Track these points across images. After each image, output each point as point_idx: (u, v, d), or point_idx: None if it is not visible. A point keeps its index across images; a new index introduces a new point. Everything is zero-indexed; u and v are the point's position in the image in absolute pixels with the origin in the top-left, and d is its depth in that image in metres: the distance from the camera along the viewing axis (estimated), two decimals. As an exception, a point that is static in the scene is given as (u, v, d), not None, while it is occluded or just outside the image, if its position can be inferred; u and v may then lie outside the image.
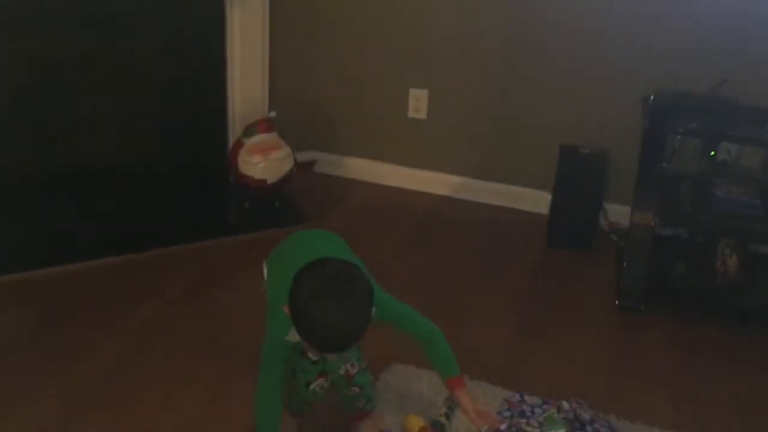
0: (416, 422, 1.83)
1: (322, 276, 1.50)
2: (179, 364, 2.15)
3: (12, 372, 2.08)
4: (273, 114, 3.03)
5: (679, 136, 2.49)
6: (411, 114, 3.27)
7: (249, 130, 2.98)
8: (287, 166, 3.01)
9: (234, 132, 3.14)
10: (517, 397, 1.99)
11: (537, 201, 3.12)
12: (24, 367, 2.11)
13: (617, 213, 2.98)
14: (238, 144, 3.00)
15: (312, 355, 1.68)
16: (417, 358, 2.13)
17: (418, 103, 3.25)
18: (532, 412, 1.93)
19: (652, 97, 2.48)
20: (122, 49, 2.87)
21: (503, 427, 1.86)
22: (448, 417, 1.88)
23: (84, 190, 2.90)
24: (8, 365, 2.11)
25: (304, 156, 3.29)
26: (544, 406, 1.94)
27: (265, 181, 2.96)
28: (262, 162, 2.94)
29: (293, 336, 1.55)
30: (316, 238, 1.87)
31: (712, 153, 2.49)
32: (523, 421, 1.88)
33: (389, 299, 1.68)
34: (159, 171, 3.05)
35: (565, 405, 1.89)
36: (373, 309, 1.52)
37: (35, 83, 2.75)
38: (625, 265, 2.56)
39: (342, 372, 1.75)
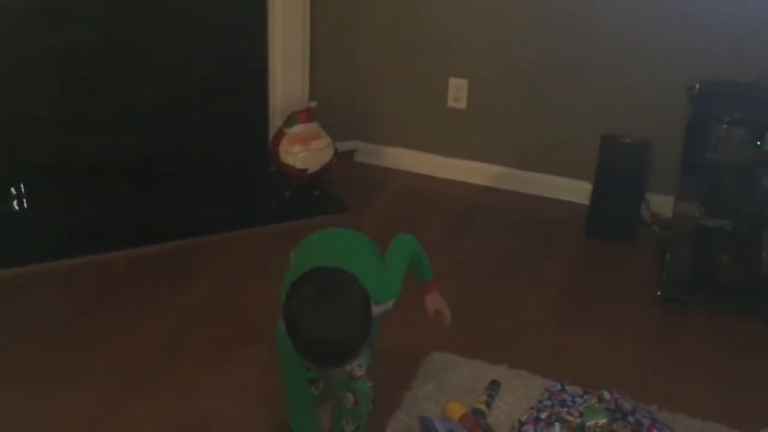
0: (457, 409, 1.85)
1: (314, 287, 1.46)
2: (217, 352, 2.18)
3: (57, 354, 2.14)
4: (314, 104, 3.06)
5: (724, 126, 2.45)
6: (451, 103, 3.27)
7: (290, 120, 3.01)
8: (327, 155, 3.04)
9: (275, 122, 3.18)
10: (558, 386, 1.99)
11: (578, 191, 3.09)
12: (67, 351, 2.16)
13: (659, 204, 2.95)
14: (280, 133, 3.04)
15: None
16: (457, 346, 2.17)
17: (457, 92, 3.25)
18: (573, 402, 1.92)
19: (697, 86, 2.45)
20: (166, 40, 2.91)
21: (543, 415, 1.87)
22: (488, 405, 1.90)
23: (127, 180, 2.96)
24: (54, 347, 2.17)
25: (344, 145, 3.31)
26: (584, 396, 1.94)
27: (305, 170, 3.00)
28: (303, 151, 2.98)
29: None
30: (337, 239, 1.83)
31: (758, 143, 2.45)
32: (564, 410, 1.88)
33: (388, 276, 1.68)
34: (201, 160, 3.10)
35: (606, 395, 1.88)
36: (372, 321, 1.49)
37: (81, 76, 2.81)
38: (667, 256, 2.53)
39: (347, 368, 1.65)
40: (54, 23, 2.71)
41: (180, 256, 2.67)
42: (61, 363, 2.11)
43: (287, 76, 3.16)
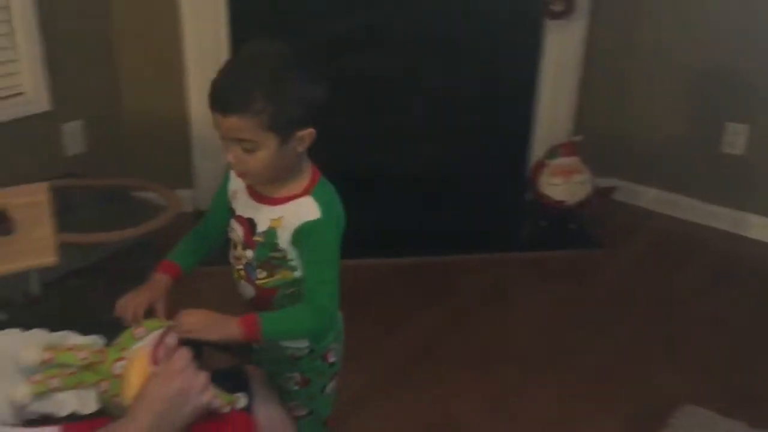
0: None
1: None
2: (466, 366, 2.30)
3: None
4: (579, 138, 3.07)
5: None
6: (725, 149, 3.10)
7: (553, 152, 3.06)
8: (586, 190, 3.04)
9: (536, 151, 3.25)
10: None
11: None
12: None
13: None
14: (541, 164, 3.09)
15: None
16: (715, 399, 2.05)
17: (734, 137, 3.07)
18: None
19: None
20: (445, 66, 3.10)
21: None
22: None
23: (393, 193, 3.18)
24: None
25: (604, 182, 3.28)
26: None
27: (563, 202, 3.02)
28: (563, 184, 3.01)
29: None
30: None
31: None
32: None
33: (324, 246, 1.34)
34: (462, 181, 3.24)
35: None
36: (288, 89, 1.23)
37: (369, 95, 3.09)
38: None
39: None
40: (353, 50, 3.01)
41: (434, 270, 2.82)
42: None
43: (554, 108, 3.20)
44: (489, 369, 2.28)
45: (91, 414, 1.19)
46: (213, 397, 1.16)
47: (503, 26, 3.05)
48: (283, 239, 1.32)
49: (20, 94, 2.65)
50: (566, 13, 2.93)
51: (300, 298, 1.36)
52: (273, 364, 1.47)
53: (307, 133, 1.29)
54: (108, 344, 1.23)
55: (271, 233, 1.33)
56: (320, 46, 2.96)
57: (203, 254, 1.47)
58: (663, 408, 2.06)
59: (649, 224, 3.23)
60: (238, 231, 1.38)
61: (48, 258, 1.52)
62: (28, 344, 1.18)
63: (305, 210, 1.31)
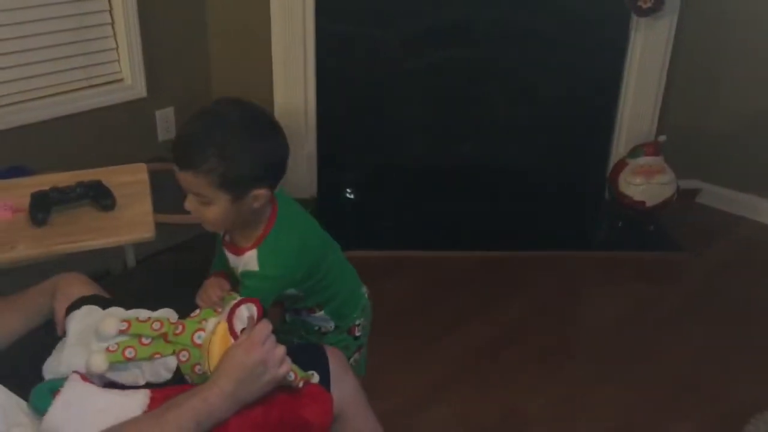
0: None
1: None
2: (536, 361, 2.31)
3: (399, 336, 2.37)
4: (663, 138, 3.01)
5: None
6: (818, 153, 2.99)
7: (636, 151, 3.01)
8: (669, 191, 2.98)
9: (617, 150, 3.20)
10: None
11: None
12: (408, 334, 2.41)
13: None
14: (622, 163, 3.05)
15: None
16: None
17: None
18: None
19: None
20: (530, 61, 3.10)
21: None
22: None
23: (473, 186, 3.22)
24: (398, 328, 2.40)
25: (687, 184, 3.20)
26: None
27: (643, 203, 2.97)
28: (644, 184, 2.96)
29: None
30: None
31: None
32: None
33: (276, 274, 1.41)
34: (540, 177, 3.24)
35: None
36: (251, 159, 1.28)
37: (450, 90, 3.13)
38: None
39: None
40: (440, 42, 3.04)
41: (510, 265, 2.82)
42: (405, 342, 2.35)
43: (637, 107, 3.14)
44: (558, 368, 2.28)
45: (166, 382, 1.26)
46: (289, 370, 1.23)
47: (590, 22, 3.03)
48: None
49: (119, 80, 2.80)
50: (654, 9, 2.87)
51: (304, 302, 1.53)
52: (303, 339, 1.60)
53: (262, 193, 1.32)
54: (183, 317, 1.30)
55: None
56: (407, 40, 3.05)
57: None
58: (739, 414, 2.02)
59: (733, 229, 3.13)
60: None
61: (146, 234, 1.62)
62: (106, 317, 1.26)
63: (248, 261, 1.40)
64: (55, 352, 1.28)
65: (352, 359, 1.62)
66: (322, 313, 1.58)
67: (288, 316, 1.62)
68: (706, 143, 3.23)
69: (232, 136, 1.27)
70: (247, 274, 1.40)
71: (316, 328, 1.60)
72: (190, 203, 1.33)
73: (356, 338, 1.63)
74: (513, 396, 2.15)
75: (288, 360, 1.22)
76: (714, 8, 3.04)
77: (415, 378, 2.19)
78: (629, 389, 2.19)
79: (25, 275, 1.63)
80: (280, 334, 1.45)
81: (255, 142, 1.29)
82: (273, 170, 1.33)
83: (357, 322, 1.61)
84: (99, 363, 1.22)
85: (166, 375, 1.26)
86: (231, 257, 1.44)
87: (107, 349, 1.23)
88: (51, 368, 1.27)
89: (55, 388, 1.18)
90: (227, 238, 1.47)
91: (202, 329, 1.25)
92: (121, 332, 1.24)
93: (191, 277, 1.66)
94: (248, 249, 1.40)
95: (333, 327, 1.58)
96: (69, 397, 1.16)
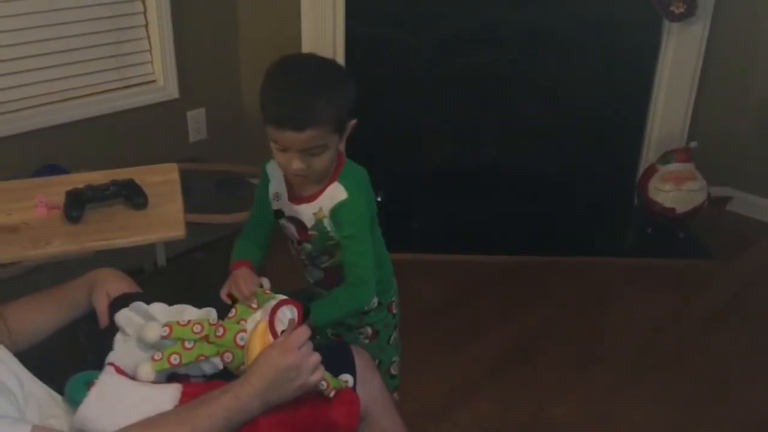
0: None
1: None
2: (561, 366, 2.30)
3: (424, 339, 2.36)
4: (694, 144, 2.98)
5: None
6: None
7: (666, 158, 2.98)
8: (699, 198, 2.94)
9: (647, 156, 3.17)
10: None
11: None
12: (433, 337, 2.41)
13: None
14: (652, 169, 3.02)
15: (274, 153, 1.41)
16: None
17: None
18: None
19: None
20: (560, 66, 3.07)
21: None
22: None
23: (501, 190, 3.20)
24: (423, 331, 2.40)
25: (718, 191, 3.16)
26: None
27: (673, 209, 2.94)
28: (674, 191, 2.92)
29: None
30: None
31: None
32: None
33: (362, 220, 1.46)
34: (569, 182, 3.21)
35: None
36: (348, 117, 1.38)
37: (483, 92, 3.11)
38: None
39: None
40: (467, 48, 3.04)
41: (537, 270, 2.81)
42: (419, 348, 2.27)
43: (668, 113, 3.10)
44: (585, 373, 2.27)
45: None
46: (321, 378, 1.23)
47: (621, 27, 3.00)
48: (331, 227, 1.46)
49: (152, 81, 2.85)
50: (687, 14, 2.84)
51: None
52: (342, 325, 1.61)
53: (353, 123, 1.42)
54: (222, 317, 1.32)
55: (319, 225, 1.46)
56: (436, 44, 3.05)
57: (261, 254, 1.57)
58: (763, 425, 1.99)
59: (764, 238, 3.08)
60: (291, 230, 1.52)
61: (177, 232, 1.64)
62: (149, 323, 1.28)
63: (335, 194, 1.44)
64: (116, 346, 1.30)
65: (392, 338, 1.68)
66: None
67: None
68: (738, 150, 3.19)
69: (327, 81, 1.36)
70: (340, 206, 1.43)
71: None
72: (299, 162, 1.36)
73: (393, 315, 1.67)
74: (539, 401, 2.14)
75: (322, 368, 1.23)
76: (746, 13, 3.00)
77: (441, 381, 2.19)
78: (656, 396, 2.17)
79: (58, 271, 1.66)
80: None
81: (342, 79, 1.39)
82: (355, 101, 1.42)
83: (393, 299, 1.66)
84: (147, 373, 1.24)
85: (214, 371, 1.29)
86: (301, 208, 1.46)
87: (153, 358, 1.25)
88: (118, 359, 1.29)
89: (89, 379, 1.20)
90: (280, 196, 1.49)
91: (244, 330, 1.27)
92: (164, 338, 1.26)
93: (221, 275, 1.69)
94: (320, 192, 1.44)
95: (375, 304, 1.60)
96: (103, 389, 1.18)
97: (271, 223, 1.55)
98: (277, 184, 1.50)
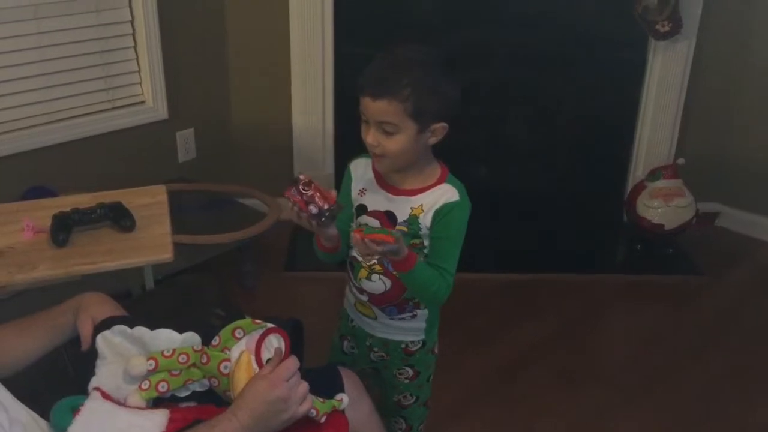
0: None
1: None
2: (555, 385, 2.29)
3: None
4: (681, 161, 3.00)
5: None
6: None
7: (654, 174, 3.00)
8: (688, 214, 2.96)
9: (635, 173, 3.19)
10: None
11: None
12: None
13: None
14: (640, 185, 3.03)
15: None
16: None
17: None
18: None
19: None
20: (549, 83, 3.09)
21: None
22: None
23: (491, 208, 3.16)
24: None
25: (706, 207, 3.18)
26: None
27: (662, 226, 2.95)
28: (663, 207, 2.94)
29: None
30: None
31: None
32: None
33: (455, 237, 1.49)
34: (558, 199, 3.23)
35: None
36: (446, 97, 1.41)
37: (470, 110, 3.10)
38: None
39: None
40: (462, 65, 3.04)
41: (528, 288, 2.82)
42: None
43: (656, 130, 3.13)
44: (577, 391, 2.27)
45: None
46: (311, 408, 1.23)
47: (608, 45, 3.03)
48: (425, 224, 1.47)
49: (141, 102, 2.85)
50: (672, 33, 2.87)
51: None
52: (383, 360, 1.62)
53: (441, 127, 1.43)
54: (206, 343, 1.31)
55: (413, 220, 1.47)
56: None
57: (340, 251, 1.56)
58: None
59: (753, 253, 3.10)
60: (373, 226, 1.49)
61: (165, 255, 1.63)
62: (133, 358, 1.27)
63: (445, 194, 1.47)
64: (98, 371, 1.29)
65: (431, 377, 1.69)
66: (425, 311, 1.59)
67: (383, 321, 1.58)
68: (726, 166, 3.21)
69: (425, 71, 1.39)
70: (450, 207, 1.46)
71: (403, 346, 1.60)
72: (373, 135, 1.40)
73: (435, 356, 1.68)
74: (533, 418, 2.14)
75: (311, 398, 1.23)
76: (732, 31, 3.04)
77: (435, 398, 2.17)
78: (648, 414, 2.16)
79: (45, 296, 1.65)
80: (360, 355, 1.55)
81: (444, 80, 1.41)
82: (452, 107, 1.44)
83: (436, 339, 1.67)
84: (136, 403, 1.24)
85: (204, 389, 1.30)
86: (399, 199, 1.47)
87: (140, 387, 1.25)
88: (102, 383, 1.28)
89: (75, 405, 1.19)
90: (365, 191, 1.50)
91: (227, 359, 1.26)
92: (150, 372, 1.26)
93: (209, 297, 1.68)
94: (431, 186, 1.47)
95: (420, 345, 1.61)
96: (89, 415, 1.17)
97: (350, 220, 1.54)
98: (361, 181, 1.53)
